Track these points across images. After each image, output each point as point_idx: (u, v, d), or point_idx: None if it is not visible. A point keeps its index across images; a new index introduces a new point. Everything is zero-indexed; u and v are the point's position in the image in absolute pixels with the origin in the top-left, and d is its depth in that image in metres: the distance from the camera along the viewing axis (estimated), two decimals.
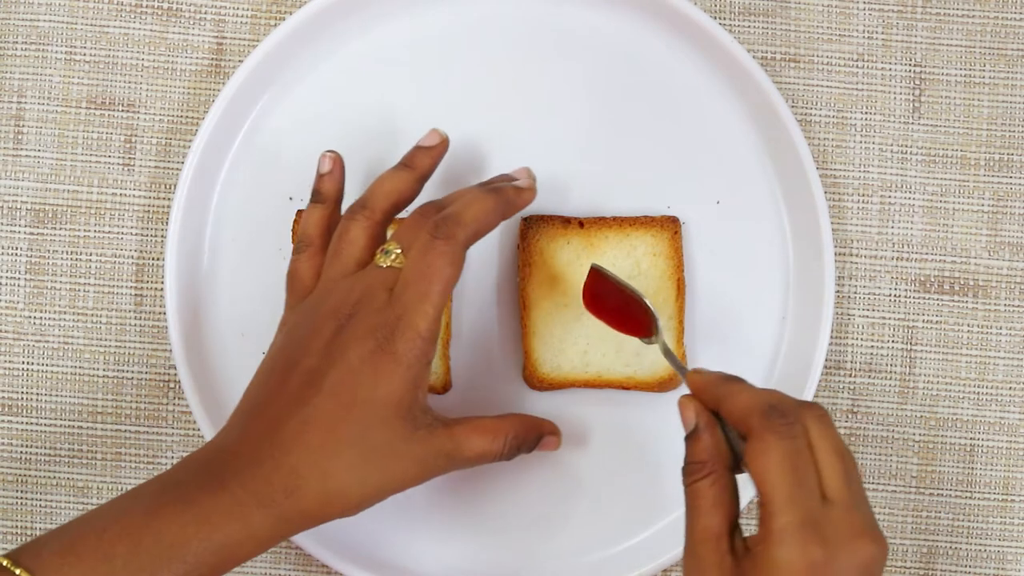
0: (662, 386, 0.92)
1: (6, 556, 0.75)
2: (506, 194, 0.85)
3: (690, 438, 0.78)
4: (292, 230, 0.93)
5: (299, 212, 0.92)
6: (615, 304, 0.86)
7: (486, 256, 0.94)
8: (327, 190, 0.88)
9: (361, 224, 0.85)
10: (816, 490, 0.73)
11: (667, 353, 0.84)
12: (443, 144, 0.89)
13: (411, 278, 0.81)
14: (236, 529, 0.77)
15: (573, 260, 0.92)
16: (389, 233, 0.88)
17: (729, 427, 0.78)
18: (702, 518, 0.75)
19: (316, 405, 0.79)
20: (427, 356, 0.81)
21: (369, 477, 0.80)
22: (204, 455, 0.80)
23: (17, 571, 0.74)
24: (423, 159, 0.89)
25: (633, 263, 0.92)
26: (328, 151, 0.89)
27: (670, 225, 0.92)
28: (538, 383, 0.92)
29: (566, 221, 0.92)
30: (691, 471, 0.77)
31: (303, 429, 0.79)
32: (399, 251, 0.82)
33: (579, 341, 0.92)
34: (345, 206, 0.89)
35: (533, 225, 0.92)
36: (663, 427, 0.92)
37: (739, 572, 0.73)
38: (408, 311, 0.80)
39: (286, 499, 0.78)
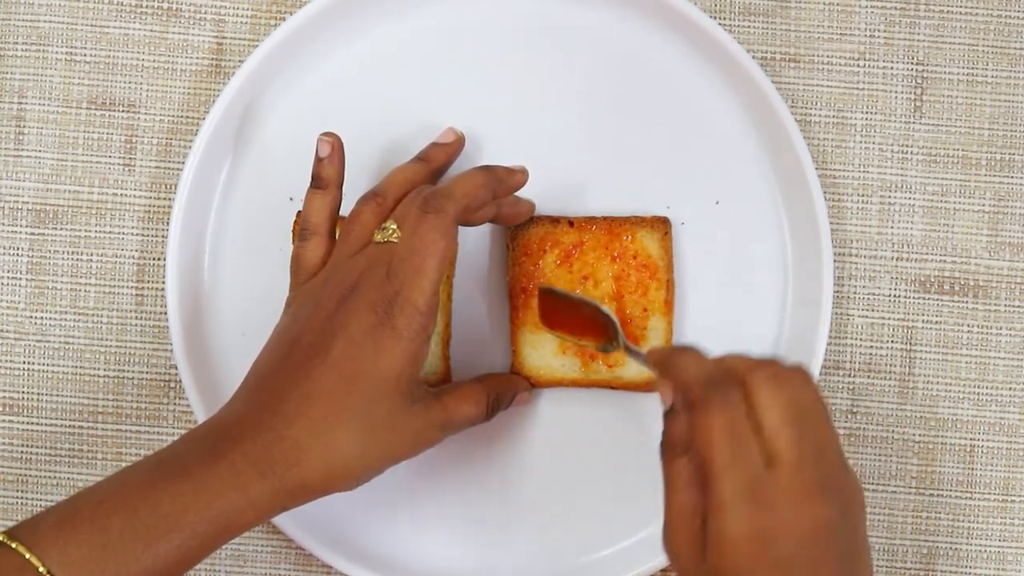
0: (650, 386, 0.92)
1: (3, 532, 0.76)
2: (496, 172, 0.87)
3: (667, 416, 0.77)
4: (292, 230, 0.93)
5: (299, 213, 0.92)
6: (571, 318, 0.87)
7: (479, 255, 0.94)
8: (327, 175, 0.88)
9: (372, 209, 0.86)
10: (757, 457, 0.71)
11: (630, 351, 0.84)
12: (458, 142, 0.92)
13: (405, 253, 0.82)
14: (235, 499, 0.78)
15: (563, 260, 0.92)
16: None
17: None
18: (678, 494, 0.74)
19: (318, 378, 0.81)
20: (426, 331, 0.82)
21: (370, 450, 0.81)
22: (204, 429, 0.81)
23: (13, 544, 0.75)
24: (437, 154, 0.91)
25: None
26: (325, 134, 0.88)
27: (660, 226, 0.92)
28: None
29: (555, 221, 0.92)
30: (667, 449, 0.76)
31: (306, 402, 0.80)
32: (395, 227, 0.84)
33: (565, 341, 0.92)
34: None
35: (523, 224, 0.92)
36: (653, 426, 0.92)
37: (703, 550, 0.72)
38: (405, 286, 0.81)
39: (287, 470, 0.79)
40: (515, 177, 0.89)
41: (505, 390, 0.89)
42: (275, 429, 0.80)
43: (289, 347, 0.83)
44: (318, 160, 0.88)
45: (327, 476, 0.80)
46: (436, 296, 0.82)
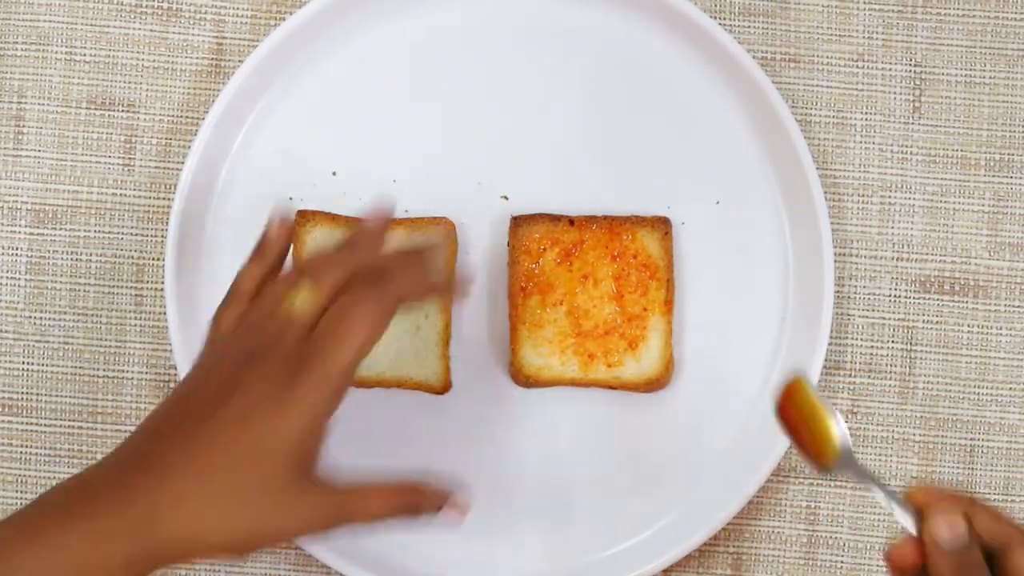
0: (649, 386, 0.92)
1: None
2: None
3: (955, 554, 0.72)
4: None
5: (299, 213, 0.92)
6: (803, 421, 0.77)
7: (479, 254, 0.94)
8: (272, 250, 0.84)
9: (295, 278, 0.79)
10: None
11: (867, 478, 0.75)
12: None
13: (327, 327, 0.76)
14: (90, 558, 0.73)
15: (563, 259, 0.92)
16: None
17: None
18: None
19: (201, 437, 0.75)
20: (331, 405, 0.75)
21: (240, 525, 0.74)
22: (73, 482, 0.76)
23: None
24: (365, 243, 0.82)
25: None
26: (279, 213, 0.84)
27: (661, 225, 0.92)
28: (523, 380, 0.93)
29: (555, 219, 0.92)
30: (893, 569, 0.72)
31: (178, 467, 0.74)
32: (316, 297, 0.77)
33: (564, 340, 0.92)
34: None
35: (523, 223, 0.92)
36: (653, 426, 0.94)
37: None
38: (317, 359, 0.75)
39: (149, 530, 0.73)
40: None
41: (426, 500, 0.78)
42: (143, 488, 0.74)
43: (178, 404, 0.77)
44: (267, 233, 0.84)
45: (183, 549, 0.74)
46: (350, 376, 0.75)
